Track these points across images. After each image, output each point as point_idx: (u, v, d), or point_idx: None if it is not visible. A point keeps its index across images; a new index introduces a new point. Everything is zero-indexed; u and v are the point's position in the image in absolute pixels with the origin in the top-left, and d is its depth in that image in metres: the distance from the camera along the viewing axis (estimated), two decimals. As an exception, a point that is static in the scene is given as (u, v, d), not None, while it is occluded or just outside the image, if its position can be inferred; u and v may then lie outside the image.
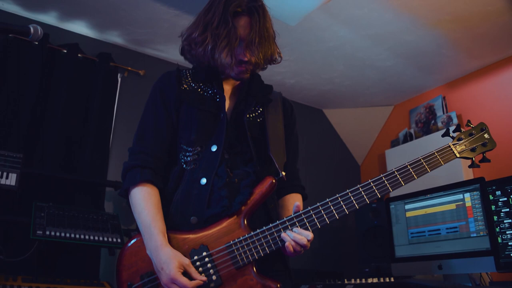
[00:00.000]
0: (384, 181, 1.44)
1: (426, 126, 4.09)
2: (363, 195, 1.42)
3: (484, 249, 2.39)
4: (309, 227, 1.40)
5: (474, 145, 1.54)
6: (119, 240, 2.70)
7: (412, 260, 2.75)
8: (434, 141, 3.57)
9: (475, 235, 2.47)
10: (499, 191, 2.34)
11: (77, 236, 2.57)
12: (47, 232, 2.49)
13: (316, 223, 1.41)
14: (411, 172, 1.46)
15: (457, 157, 1.52)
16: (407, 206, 2.87)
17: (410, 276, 2.71)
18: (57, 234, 2.51)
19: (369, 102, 4.56)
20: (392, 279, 2.60)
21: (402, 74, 3.97)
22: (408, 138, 4.20)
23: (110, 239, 2.68)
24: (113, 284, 2.67)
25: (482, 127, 1.57)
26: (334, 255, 4.20)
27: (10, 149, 2.68)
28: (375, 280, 2.62)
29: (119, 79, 3.52)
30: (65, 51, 3.26)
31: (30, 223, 2.51)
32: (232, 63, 1.52)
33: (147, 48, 3.71)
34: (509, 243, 2.26)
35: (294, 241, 1.37)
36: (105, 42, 3.57)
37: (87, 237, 2.60)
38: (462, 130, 1.58)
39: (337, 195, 1.43)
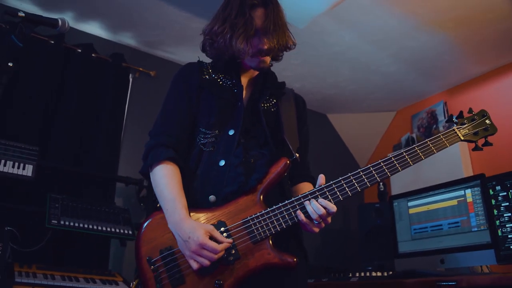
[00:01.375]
0: (393, 161, 1.51)
1: (428, 131, 4.19)
2: (374, 174, 1.49)
3: (485, 243, 2.47)
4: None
5: (477, 129, 1.63)
6: (130, 232, 2.78)
7: (415, 256, 2.83)
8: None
9: (476, 229, 2.55)
10: (499, 186, 2.43)
11: (91, 226, 2.65)
12: (62, 222, 2.57)
13: (330, 200, 1.45)
14: (418, 153, 1.52)
15: (461, 139, 1.60)
16: (410, 203, 2.96)
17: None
18: (71, 224, 2.59)
19: (373, 107, 4.67)
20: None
21: (405, 80, 4.08)
22: (410, 142, 4.29)
23: (122, 231, 2.76)
24: (122, 275, 2.74)
25: (483, 113, 1.66)
26: (337, 255, 4.27)
27: (25, 142, 2.75)
28: (379, 273, 2.69)
29: (131, 79, 3.63)
30: (80, 50, 3.37)
31: (43, 214, 2.59)
32: (248, 50, 1.60)
33: (158, 50, 3.82)
34: (509, 236, 2.34)
35: (314, 210, 1.43)
36: (118, 43, 3.69)
37: (100, 227, 2.68)
38: (465, 116, 1.66)
39: (349, 174, 1.49)
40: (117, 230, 2.74)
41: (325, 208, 1.43)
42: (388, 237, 3.16)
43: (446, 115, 4.06)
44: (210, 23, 1.71)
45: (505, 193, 2.40)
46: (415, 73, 3.95)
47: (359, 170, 1.50)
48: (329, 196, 1.47)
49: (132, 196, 3.29)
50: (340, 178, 1.49)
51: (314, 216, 1.43)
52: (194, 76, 1.71)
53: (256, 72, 1.77)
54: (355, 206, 3.86)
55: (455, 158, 3.60)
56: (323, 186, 1.49)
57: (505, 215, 2.38)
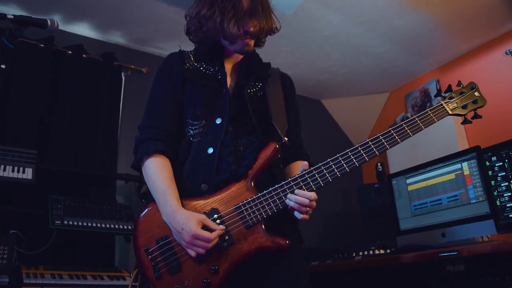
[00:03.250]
0: (381, 139, 1.51)
1: (423, 109, 4.16)
2: (362, 154, 1.50)
3: (484, 213, 2.50)
4: (313, 186, 1.48)
5: (465, 103, 1.62)
6: (133, 228, 2.80)
7: (417, 231, 2.87)
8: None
9: (474, 201, 2.58)
10: (495, 157, 2.46)
11: (94, 224, 2.68)
12: (65, 222, 2.59)
13: (319, 181, 1.48)
14: (406, 130, 1.53)
15: (449, 114, 1.59)
16: (409, 180, 2.99)
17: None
18: (75, 223, 2.61)
19: (366, 90, 4.69)
20: (398, 250, 2.71)
21: (396, 60, 4.09)
22: (405, 121, 4.31)
23: (125, 227, 2.78)
24: (129, 270, 2.77)
25: (472, 86, 1.65)
26: (340, 237, 4.31)
27: (23, 146, 2.77)
28: (382, 251, 2.73)
29: (123, 78, 3.64)
30: (70, 52, 3.38)
31: (46, 216, 2.61)
32: (240, 33, 1.60)
33: (149, 46, 3.83)
34: (507, 205, 2.37)
35: (297, 203, 1.45)
36: (108, 42, 3.70)
37: (103, 225, 2.71)
38: (453, 90, 1.65)
39: (338, 155, 1.50)
40: (121, 227, 2.77)
41: (304, 197, 1.45)
42: (389, 216, 3.19)
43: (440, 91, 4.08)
44: (195, 6, 1.69)
45: (501, 163, 2.43)
46: (406, 52, 3.97)
47: (347, 150, 1.50)
48: (327, 174, 1.48)
49: (133, 193, 3.31)
50: (328, 160, 1.50)
51: (302, 210, 1.46)
52: (177, 67, 1.71)
53: (240, 57, 1.77)
54: (355, 187, 3.89)
55: (450, 132, 3.63)
56: (317, 166, 1.50)
57: (502, 185, 2.41)
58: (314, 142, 4.46)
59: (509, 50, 3.58)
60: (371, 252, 2.75)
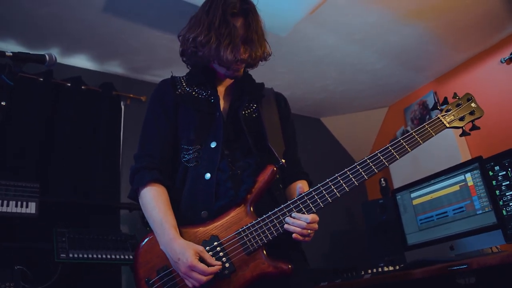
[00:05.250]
0: (379, 156, 1.50)
1: (422, 122, 4.18)
2: (361, 172, 1.48)
3: (491, 224, 2.48)
4: (313, 208, 1.46)
5: (462, 114, 1.61)
6: (139, 257, 2.77)
7: (424, 246, 2.83)
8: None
9: (480, 212, 2.56)
10: (498, 166, 2.45)
11: (100, 256, 2.66)
12: (71, 255, 2.57)
13: (319, 203, 1.46)
14: (404, 145, 1.51)
15: (447, 127, 1.58)
16: (413, 194, 2.97)
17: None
18: (80, 255, 2.59)
19: (364, 106, 4.71)
20: (407, 266, 2.67)
21: (392, 75, 4.12)
22: (405, 135, 4.32)
23: (131, 257, 2.76)
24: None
25: (468, 97, 1.64)
26: (347, 255, 4.27)
27: (25, 180, 2.76)
28: (391, 268, 2.70)
29: (123, 107, 3.66)
30: (69, 84, 3.41)
31: (51, 250, 2.59)
32: (236, 60, 1.61)
33: (146, 74, 3.86)
34: (514, 214, 2.35)
35: (294, 226, 1.43)
36: (106, 73, 3.74)
37: (109, 256, 2.69)
38: (449, 102, 1.65)
39: (336, 175, 1.48)
40: (126, 257, 2.75)
41: (300, 220, 1.44)
42: (396, 231, 3.16)
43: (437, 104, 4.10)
44: (192, 30, 1.67)
45: (504, 172, 2.42)
46: (402, 66, 3.99)
47: (346, 169, 1.49)
48: (326, 195, 1.46)
49: (137, 221, 3.30)
50: (327, 180, 1.49)
51: (303, 233, 1.43)
52: (169, 93, 1.71)
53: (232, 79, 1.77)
54: (359, 204, 3.87)
55: (452, 143, 3.63)
56: (316, 187, 1.48)
57: (507, 194, 2.39)
58: (316, 161, 4.45)
59: (504, 58, 3.61)
60: (379, 269, 2.72)
